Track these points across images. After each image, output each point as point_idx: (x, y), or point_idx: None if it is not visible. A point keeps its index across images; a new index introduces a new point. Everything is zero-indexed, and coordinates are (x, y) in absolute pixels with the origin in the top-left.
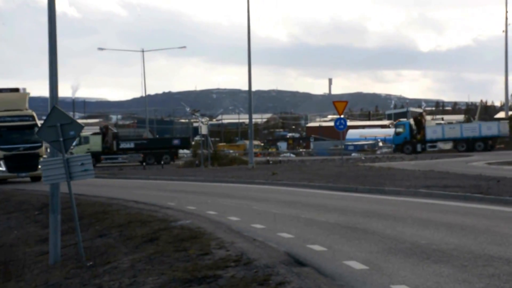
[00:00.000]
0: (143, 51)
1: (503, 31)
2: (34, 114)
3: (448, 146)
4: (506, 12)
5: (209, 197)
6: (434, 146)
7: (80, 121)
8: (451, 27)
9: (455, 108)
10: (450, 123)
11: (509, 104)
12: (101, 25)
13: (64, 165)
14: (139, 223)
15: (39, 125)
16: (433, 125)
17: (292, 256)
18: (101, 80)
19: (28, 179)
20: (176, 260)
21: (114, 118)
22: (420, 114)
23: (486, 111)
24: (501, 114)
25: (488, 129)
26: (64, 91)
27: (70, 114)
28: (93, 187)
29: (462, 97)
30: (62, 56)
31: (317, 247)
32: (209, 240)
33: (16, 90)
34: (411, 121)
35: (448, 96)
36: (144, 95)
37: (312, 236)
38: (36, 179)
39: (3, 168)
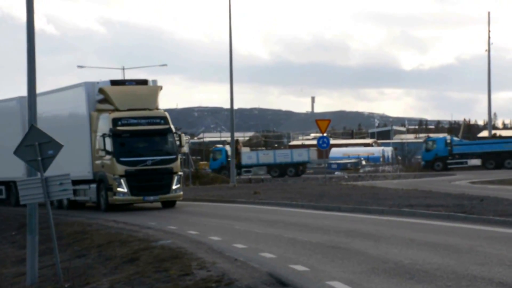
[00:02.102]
0: (123, 69)
1: (486, 50)
2: (167, 116)
3: (262, 171)
4: (489, 31)
5: (190, 216)
6: (249, 171)
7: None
8: (434, 45)
9: (438, 126)
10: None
11: (492, 123)
12: (80, 42)
13: (42, 184)
14: (119, 243)
15: (174, 129)
16: (247, 151)
17: (274, 277)
18: None
19: (156, 204)
20: (156, 281)
21: None
22: (236, 141)
23: (469, 130)
24: (484, 133)
25: (299, 155)
26: None
27: None
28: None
29: (445, 116)
30: (40, 74)
31: (299, 267)
32: (190, 260)
33: (144, 82)
34: (227, 147)
35: (431, 115)
36: None
37: (295, 256)
38: (169, 204)
39: (124, 189)
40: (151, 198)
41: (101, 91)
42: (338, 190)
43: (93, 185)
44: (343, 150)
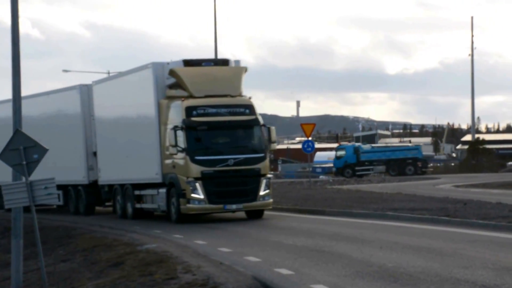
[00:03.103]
0: (108, 73)
1: (469, 54)
2: (253, 104)
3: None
4: (472, 36)
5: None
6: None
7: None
8: (417, 50)
9: (423, 130)
10: None
11: (475, 127)
12: (65, 46)
13: (27, 188)
14: (104, 247)
15: (261, 121)
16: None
17: (259, 280)
18: None
19: (238, 214)
20: (141, 285)
21: None
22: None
23: (453, 134)
24: (468, 137)
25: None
26: None
27: None
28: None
29: (429, 120)
30: (25, 78)
31: (284, 271)
32: (175, 264)
33: (224, 62)
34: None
35: (415, 119)
36: None
37: (279, 259)
38: (255, 214)
39: (200, 196)
40: (233, 206)
41: (172, 73)
42: (323, 194)
43: (162, 190)
44: (328, 154)
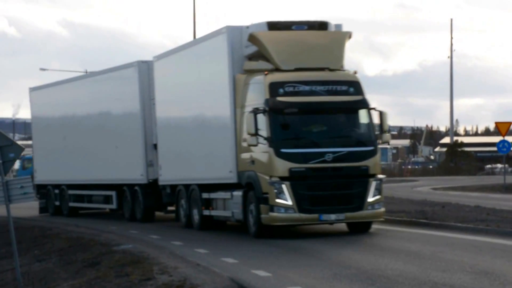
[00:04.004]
0: (86, 72)
1: (448, 57)
2: (359, 80)
3: None
4: (451, 38)
5: (152, 222)
6: None
7: (20, 142)
8: (396, 52)
9: (401, 132)
10: None
11: (454, 129)
12: (42, 45)
13: (3, 188)
14: (80, 247)
15: (370, 104)
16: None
17: (236, 282)
18: None
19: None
20: (117, 286)
21: None
22: None
23: (432, 136)
24: (446, 140)
25: None
26: (4, 112)
27: (10, 135)
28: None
29: (408, 122)
30: (1, 77)
31: (261, 273)
32: (151, 265)
33: (322, 25)
34: None
35: (394, 121)
36: None
37: (257, 261)
38: (360, 227)
39: (287, 201)
40: (332, 217)
41: (252, 39)
42: None
43: (237, 193)
44: None
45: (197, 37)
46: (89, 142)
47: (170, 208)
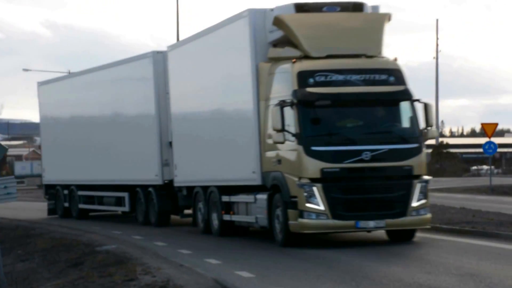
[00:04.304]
0: (69, 72)
1: (434, 57)
2: (401, 68)
3: (38, 181)
4: (437, 39)
5: (135, 222)
6: (23, 182)
7: (3, 143)
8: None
9: None
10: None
11: (440, 130)
12: (25, 45)
13: None
14: (63, 248)
15: (414, 95)
16: (22, 162)
17: (219, 283)
18: (26, 101)
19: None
20: (100, 286)
21: (38, 140)
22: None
23: None
24: (432, 141)
25: None
26: None
27: None
28: (18, 211)
29: None
30: None
31: (245, 274)
32: (135, 265)
33: (357, 6)
34: None
35: None
36: None
37: (240, 262)
38: (403, 235)
39: (319, 206)
40: (371, 223)
41: (278, 23)
42: None
43: (262, 196)
44: None
45: (180, 38)
46: (100, 139)
47: (186, 211)
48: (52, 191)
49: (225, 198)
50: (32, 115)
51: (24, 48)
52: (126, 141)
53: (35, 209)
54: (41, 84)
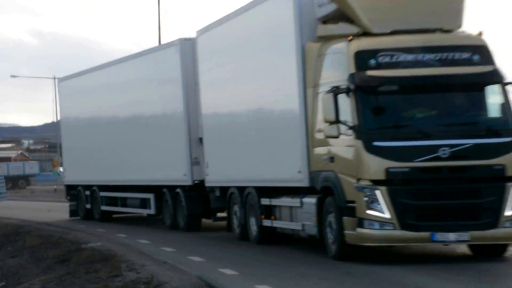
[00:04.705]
0: (55, 78)
1: None
2: (487, 44)
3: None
4: None
5: (119, 220)
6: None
7: None
8: None
9: None
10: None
11: None
12: (12, 53)
13: None
14: (50, 245)
15: (505, 77)
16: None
17: (203, 280)
18: (14, 106)
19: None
20: (87, 281)
21: (26, 143)
22: None
23: None
24: None
25: (31, 168)
26: None
27: None
28: (6, 209)
29: None
30: None
31: (228, 271)
32: (119, 262)
33: None
34: None
35: None
36: (55, 120)
37: (224, 260)
38: (492, 250)
39: (384, 214)
40: (451, 236)
41: None
42: None
43: (310, 200)
44: None
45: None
46: (124, 136)
47: (220, 214)
48: (73, 192)
49: (264, 201)
50: (19, 119)
51: (11, 56)
52: (151, 138)
53: (62, 211)
54: (61, 80)
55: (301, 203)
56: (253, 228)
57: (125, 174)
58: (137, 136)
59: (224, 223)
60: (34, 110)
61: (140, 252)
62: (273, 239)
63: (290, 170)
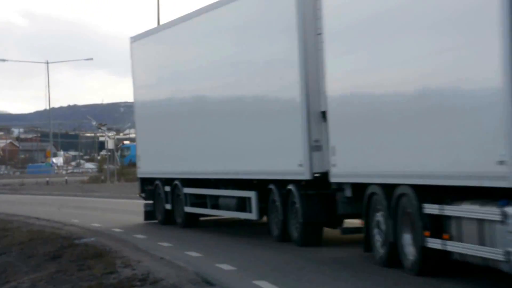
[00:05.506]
0: (47, 63)
1: None
2: None
3: None
4: None
5: (115, 214)
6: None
7: None
8: None
9: None
10: None
11: None
12: (0, 35)
13: None
14: (41, 241)
15: None
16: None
17: (200, 276)
18: (3, 92)
19: None
20: (79, 279)
21: (16, 131)
22: None
23: None
24: None
25: None
26: None
27: None
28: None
29: None
30: None
31: (226, 266)
32: (114, 258)
33: None
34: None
35: None
36: (48, 108)
37: (221, 255)
38: None
39: None
40: None
41: None
42: None
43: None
44: None
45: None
46: (214, 116)
47: (348, 221)
48: (149, 188)
49: (430, 209)
50: (9, 106)
51: (0, 38)
52: (252, 115)
53: (136, 211)
54: (134, 40)
55: (504, 215)
56: (409, 250)
57: (217, 164)
58: (234, 115)
59: (357, 235)
60: (24, 97)
61: (136, 247)
62: (444, 267)
63: (484, 160)
